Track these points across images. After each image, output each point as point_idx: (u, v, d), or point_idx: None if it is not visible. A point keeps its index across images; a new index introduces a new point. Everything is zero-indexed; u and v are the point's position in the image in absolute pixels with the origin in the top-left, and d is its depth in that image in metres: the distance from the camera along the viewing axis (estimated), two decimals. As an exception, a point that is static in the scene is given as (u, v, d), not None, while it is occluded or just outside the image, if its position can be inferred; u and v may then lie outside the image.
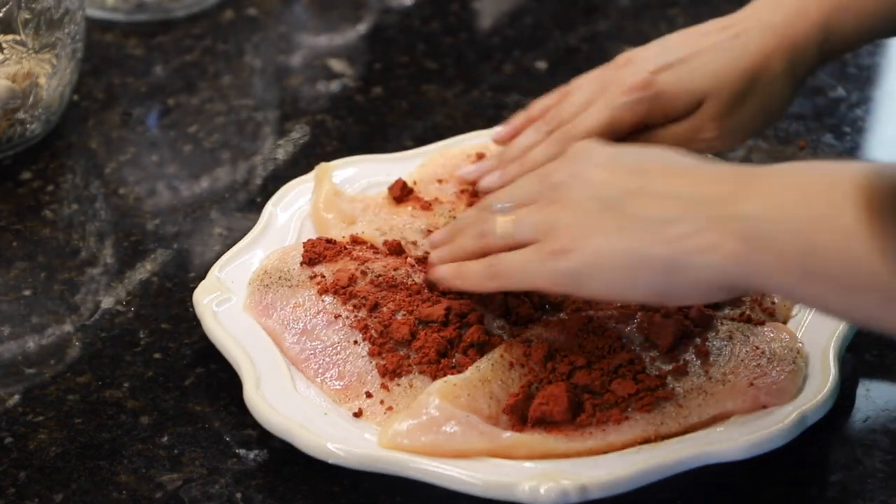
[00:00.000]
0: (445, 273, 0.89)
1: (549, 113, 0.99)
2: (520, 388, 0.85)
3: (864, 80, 1.22)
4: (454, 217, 0.99)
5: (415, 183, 1.03)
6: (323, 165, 1.03)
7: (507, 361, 0.86)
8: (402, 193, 1.01)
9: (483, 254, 0.87)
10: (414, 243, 0.97)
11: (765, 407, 0.84)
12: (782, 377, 0.85)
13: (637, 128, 0.97)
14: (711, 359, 0.86)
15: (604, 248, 0.79)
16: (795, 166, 0.77)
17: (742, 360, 0.86)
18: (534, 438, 0.83)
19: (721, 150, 0.98)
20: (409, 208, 1.00)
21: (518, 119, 1.02)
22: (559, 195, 0.83)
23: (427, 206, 1.00)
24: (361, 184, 1.03)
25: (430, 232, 0.98)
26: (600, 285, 0.80)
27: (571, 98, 0.99)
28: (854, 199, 0.72)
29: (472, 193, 1.01)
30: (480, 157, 1.04)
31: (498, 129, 1.02)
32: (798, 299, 0.82)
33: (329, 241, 0.96)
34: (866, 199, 0.72)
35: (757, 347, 0.87)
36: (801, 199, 0.74)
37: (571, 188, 0.83)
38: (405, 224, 0.99)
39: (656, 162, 0.82)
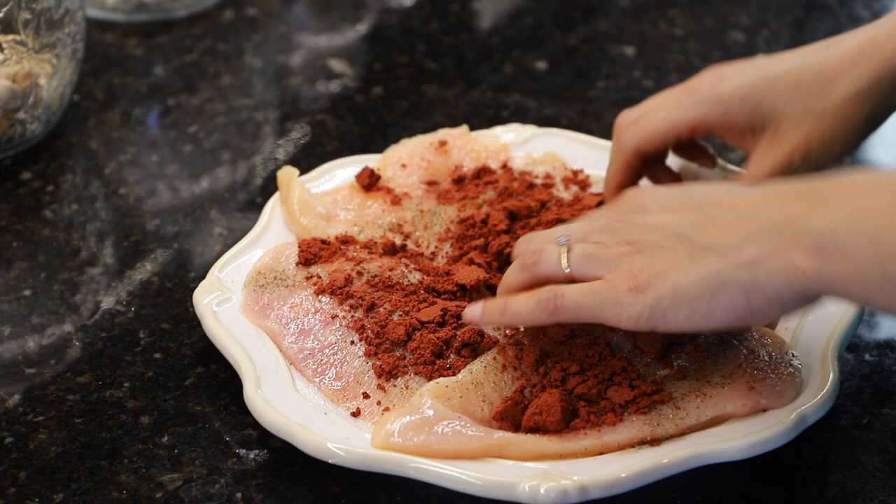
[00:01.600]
0: (483, 312, 0.86)
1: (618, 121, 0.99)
2: (512, 392, 0.85)
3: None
4: (422, 211, 1.00)
5: (378, 168, 1.03)
6: (286, 170, 1.02)
7: (500, 364, 0.86)
8: (370, 181, 1.02)
9: (530, 286, 0.85)
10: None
11: (764, 410, 0.84)
12: (782, 380, 0.85)
13: (699, 133, 0.95)
14: (708, 363, 0.86)
15: (682, 280, 0.79)
16: (855, 175, 0.77)
17: (740, 364, 0.86)
18: (527, 439, 0.83)
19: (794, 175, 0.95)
20: (380, 201, 1.01)
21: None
22: (626, 238, 0.82)
23: (397, 201, 1.01)
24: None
25: (399, 226, 0.99)
26: (682, 317, 0.79)
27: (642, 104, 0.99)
28: None
29: (440, 191, 1.02)
30: (443, 144, 1.05)
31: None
32: (876, 305, 0.80)
33: (324, 241, 0.96)
34: None
35: (753, 351, 0.87)
36: (872, 203, 0.74)
37: (638, 232, 0.82)
38: (376, 218, 1.00)
39: (710, 194, 0.82)
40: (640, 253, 0.81)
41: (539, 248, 0.85)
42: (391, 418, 0.83)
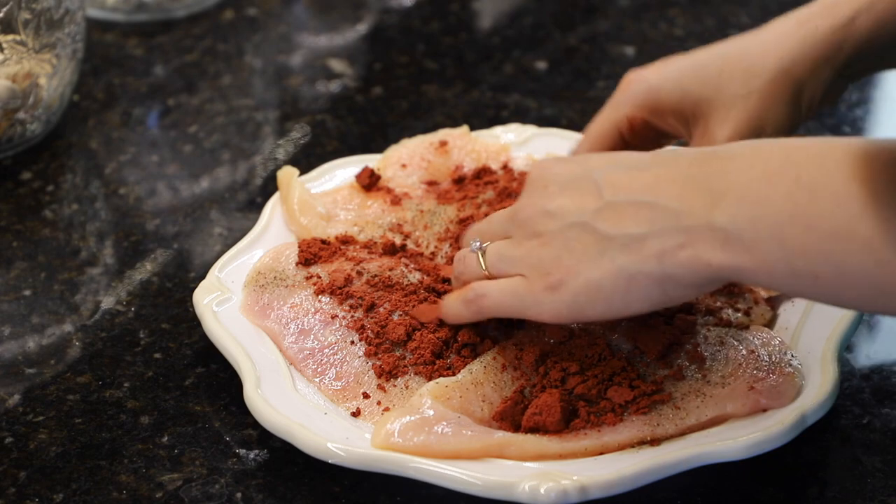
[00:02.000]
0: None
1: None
2: (512, 392, 0.85)
3: (864, 81, 1.22)
4: (422, 211, 1.00)
5: (378, 168, 1.03)
6: (286, 170, 1.02)
7: (500, 364, 0.86)
8: (370, 181, 1.02)
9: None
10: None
11: (764, 410, 0.84)
12: (782, 380, 0.85)
13: (637, 126, 0.95)
14: (708, 363, 0.86)
15: (593, 275, 0.80)
16: (743, 152, 0.77)
17: (740, 364, 0.86)
18: (526, 439, 0.83)
19: None
20: (380, 201, 1.01)
21: None
22: (532, 230, 0.83)
23: (397, 201, 1.01)
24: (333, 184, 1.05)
25: (399, 226, 0.98)
26: (601, 309, 0.81)
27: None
28: (845, 169, 0.72)
29: (441, 190, 1.02)
30: (443, 144, 1.05)
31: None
32: (788, 293, 0.81)
33: (324, 241, 0.96)
34: (858, 167, 0.72)
35: (752, 351, 0.87)
36: (769, 194, 0.74)
37: (541, 222, 0.83)
38: (376, 218, 1.00)
39: (609, 173, 0.82)
40: (547, 246, 0.82)
41: (461, 256, 0.88)
42: (391, 418, 0.83)
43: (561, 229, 0.81)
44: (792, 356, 0.87)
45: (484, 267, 0.86)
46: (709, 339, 0.88)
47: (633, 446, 0.83)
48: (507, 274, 0.84)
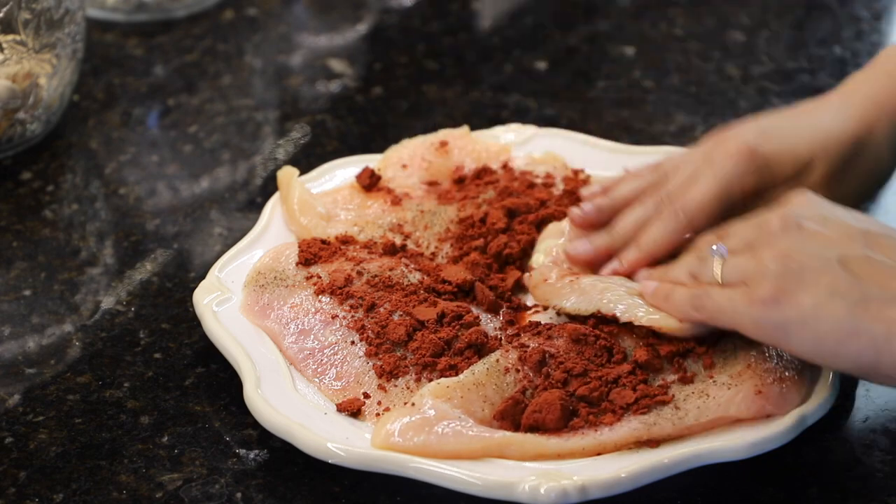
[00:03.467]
0: (654, 291, 0.88)
1: (652, 181, 0.96)
2: (514, 392, 0.85)
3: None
4: (423, 212, 1.00)
5: (379, 169, 1.03)
6: (286, 170, 1.02)
7: (503, 366, 0.86)
8: (370, 181, 1.02)
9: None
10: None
11: (768, 416, 0.83)
12: (789, 386, 0.84)
13: (747, 196, 0.94)
14: (717, 365, 0.86)
15: (817, 309, 0.79)
16: None
17: (749, 366, 0.85)
18: (526, 438, 0.83)
19: None
20: (381, 201, 1.01)
21: (610, 184, 0.99)
22: (773, 242, 0.83)
23: (397, 201, 1.01)
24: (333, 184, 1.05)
25: (399, 226, 0.98)
26: (806, 346, 0.80)
27: (676, 171, 0.95)
28: None
29: (443, 190, 1.02)
30: (444, 144, 1.05)
31: (578, 212, 0.97)
32: None
33: (324, 241, 0.96)
34: None
35: (763, 353, 0.86)
36: None
37: (786, 238, 0.82)
38: (376, 218, 1.00)
39: (872, 231, 0.82)
40: (783, 262, 0.81)
41: (703, 256, 0.87)
42: (391, 418, 0.83)
43: (803, 252, 0.81)
44: (802, 362, 0.85)
45: (719, 274, 0.85)
46: (719, 344, 0.87)
47: (630, 447, 0.83)
48: (734, 283, 0.83)
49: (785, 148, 0.94)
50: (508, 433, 0.83)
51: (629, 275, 0.92)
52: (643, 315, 0.87)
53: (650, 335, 0.87)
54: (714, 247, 0.86)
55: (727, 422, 0.83)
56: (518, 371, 0.86)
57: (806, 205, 0.85)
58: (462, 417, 0.83)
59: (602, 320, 0.89)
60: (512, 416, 0.84)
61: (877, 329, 0.78)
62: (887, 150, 0.95)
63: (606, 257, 0.94)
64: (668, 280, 0.88)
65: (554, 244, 0.95)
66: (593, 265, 0.94)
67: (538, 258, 0.94)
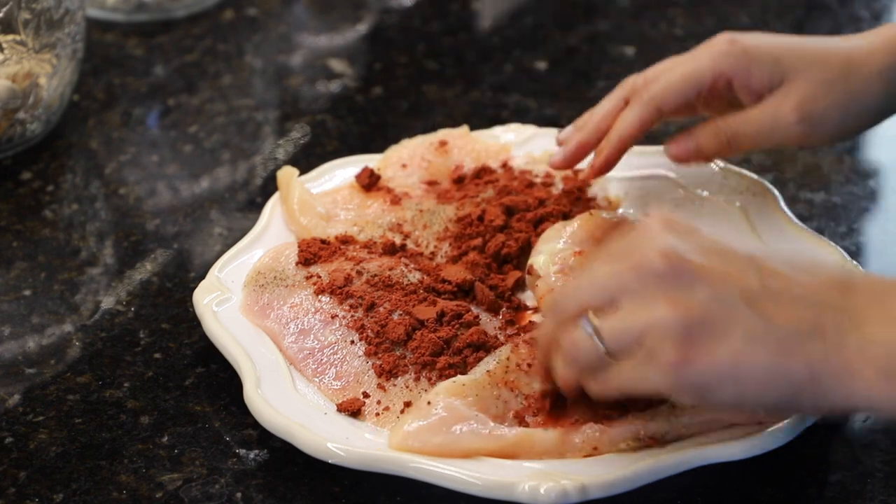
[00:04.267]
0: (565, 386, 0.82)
1: (625, 81, 0.96)
2: (530, 390, 0.85)
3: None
4: (422, 211, 1.00)
5: (378, 169, 1.03)
6: (286, 170, 1.02)
7: (514, 363, 0.86)
8: (370, 181, 1.02)
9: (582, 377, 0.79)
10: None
11: (760, 423, 0.82)
12: None
13: (719, 86, 0.92)
14: None
15: (738, 361, 0.73)
16: None
17: None
18: (535, 432, 0.83)
19: (801, 143, 0.95)
20: (380, 201, 1.01)
21: (576, 123, 0.99)
22: (661, 292, 0.74)
23: (396, 201, 1.01)
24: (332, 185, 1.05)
25: (399, 226, 0.98)
26: (727, 398, 0.74)
27: (650, 68, 0.96)
28: None
29: (442, 190, 1.02)
30: (443, 144, 1.05)
31: (561, 134, 0.99)
32: None
33: (323, 241, 0.96)
34: None
35: None
36: None
37: (676, 282, 0.74)
38: (376, 217, 1.00)
39: (761, 259, 0.75)
40: (686, 316, 0.73)
41: (572, 340, 0.78)
42: (408, 420, 0.83)
43: (707, 299, 0.73)
44: None
45: (604, 349, 0.76)
46: None
47: (627, 444, 0.82)
48: (633, 349, 0.75)
49: (766, 47, 0.92)
50: (522, 429, 0.83)
51: (607, 169, 0.94)
52: None
53: None
54: (585, 326, 0.77)
55: (722, 425, 0.83)
56: (530, 366, 0.86)
57: (675, 230, 0.76)
58: (478, 416, 0.83)
59: None
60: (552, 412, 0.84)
61: (799, 371, 0.73)
62: (879, 80, 0.92)
63: (584, 155, 0.95)
64: (560, 378, 0.81)
65: (559, 249, 0.94)
66: (572, 165, 0.96)
67: (539, 259, 0.94)
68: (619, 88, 0.97)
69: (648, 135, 1.15)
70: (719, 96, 0.95)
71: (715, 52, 0.93)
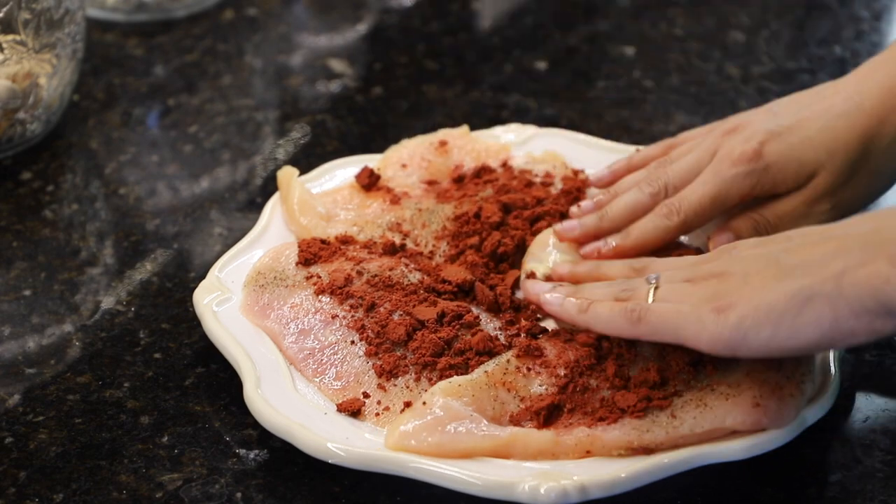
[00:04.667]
0: (568, 305, 0.87)
1: (654, 171, 0.96)
2: (528, 393, 0.85)
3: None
4: (420, 210, 1.00)
5: (378, 169, 1.03)
6: (286, 170, 1.02)
7: (514, 366, 0.86)
8: (370, 181, 1.02)
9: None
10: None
11: (763, 429, 0.82)
12: (788, 402, 0.83)
13: (744, 200, 0.94)
14: (718, 374, 0.84)
15: (766, 298, 0.78)
16: None
17: (748, 374, 0.83)
18: (529, 433, 0.83)
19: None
20: (380, 200, 1.01)
21: (619, 165, 1.00)
22: (713, 274, 0.82)
23: (396, 200, 1.01)
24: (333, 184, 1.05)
25: (398, 225, 0.98)
26: (764, 336, 0.78)
27: (678, 162, 0.96)
28: None
29: (441, 189, 1.02)
30: (443, 144, 1.05)
31: (597, 173, 1.01)
32: None
33: (323, 241, 0.96)
34: None
35: (765, 361, 0.84)
36: None
37: (725, 265, 0.82)
38: (375, 217, 1.00)
39: (800, 230, 0.83)
40: (727, 280, 0.81)
41: (631, 285, 0.86)
42: (404, 419, 0.83)
43: (744, 266, 0.81)
44: (804, 375, 0.84)
45: (652, 300, 0.84)
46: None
47: (621, 451, 0.82)
48: (677, 299, 0.83)
49: (791, 156, 0.93)
50: (516, 429, 0.83)
51: (612, 257, 0.94)
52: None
53: (666, 344, 0.86)
54: (649, 276, 0.85)
55: (723, 433, 0.82)
56: (529, 369, 0.86)
57: (729, 246, 0.85)
58: (473, 416, 0.83)
59: None
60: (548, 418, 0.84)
61: (826, 287, 0.77)
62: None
63: (593, 238, 0.95)
64: (591, 295, 0.87)
65: (559, 258, 0.95)
66: (580, 244, 0.96)
67: (533, 266, 0.94)
68: (645, 180, 0.96)
69: (649, 136, 1.15)
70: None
71: (740, 173, 0.93)
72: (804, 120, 0.94)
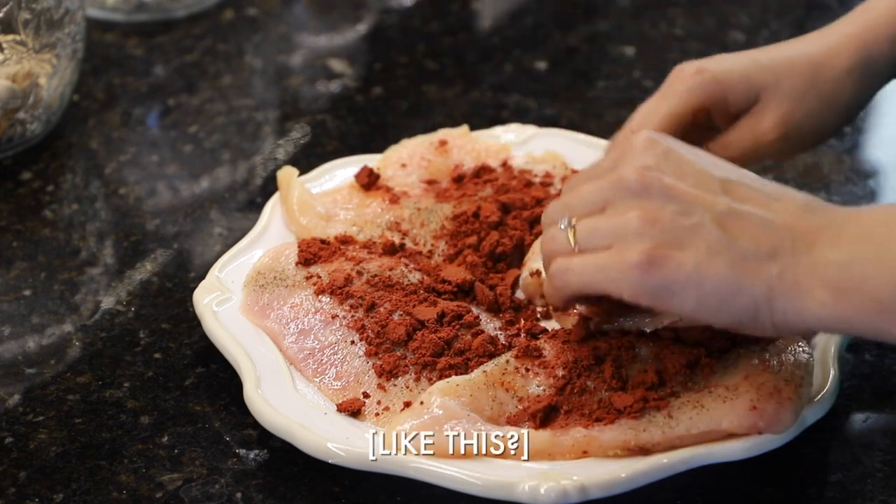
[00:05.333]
0: (524, 289, 0.89)
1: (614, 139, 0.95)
2: (526, 394, 0.85)
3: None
4: (419, 209, 1.00)
5: (378, 168, 1.03)
6: (286, 170, 1.02)
7: (513, 367, 0.86)
8: (369, 181, 1.02)
9: None
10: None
11: (760, 433, 0.82)
12: (785, 406, 0.82)
13: (698, 119, 0.93)
14: (716, 377, 0.84)
15: (700, 270, 0.77)
16: (887, 207, 0.78)
17: (747, 376, 0.83)
18: (525, 433, 0.82)
19: (783, 156, 0.96)
20: (379, 200, 1.01)
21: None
22: (634, 203, 0.79)
23: (395, 200, 1.01)
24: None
25: (397, 224, 0.99)
26: (688, 306, 0.78)
27: (633, 117, 0.95)
28: None
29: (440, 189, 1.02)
30: (443, 144, 1.05)
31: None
32: (887, 339, 0.78)
33: (323, 241, 0.96)
34: None
35: (765, 362, 0.84)
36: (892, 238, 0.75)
37: (647, 197, 0.79)
38: (374, 217, 1.00)
39: (734, 175, 0.80)
40: (652, 222, 0.78)
41: (550, 235, 0.83)
42: (402, 419, 0.83)
43: (672, 212, 0.78)
44: (803, 379, 0.84)
45: (573, 244, 0.81)
46: (728, 356, 0.86)
47: (617, 452, 0.82)
48: (599, 247, 0.80)
49: (736, 69, 0.92)
50: (513, 429, 0.83)
51: None
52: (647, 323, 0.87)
53: (664, 345, 0.86)
54: (561, 220, 0.82)
55: (719, 435, 0.82)
56: (528, 370, 0.86)
57: (654, 151, 0.81)
58: (471, 415, 0.83)
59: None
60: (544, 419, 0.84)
61: (757, 288, 0.77)
62: (849, 79, 0.93)
63: None
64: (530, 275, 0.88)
65: None
66: None
67: (538, 265, 0.94)
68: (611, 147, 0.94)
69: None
70: (697, 128, 0.95)
71: (687, 88, 0.92)
72: (751, 54, 0.94)
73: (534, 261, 0.95)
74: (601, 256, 0.79)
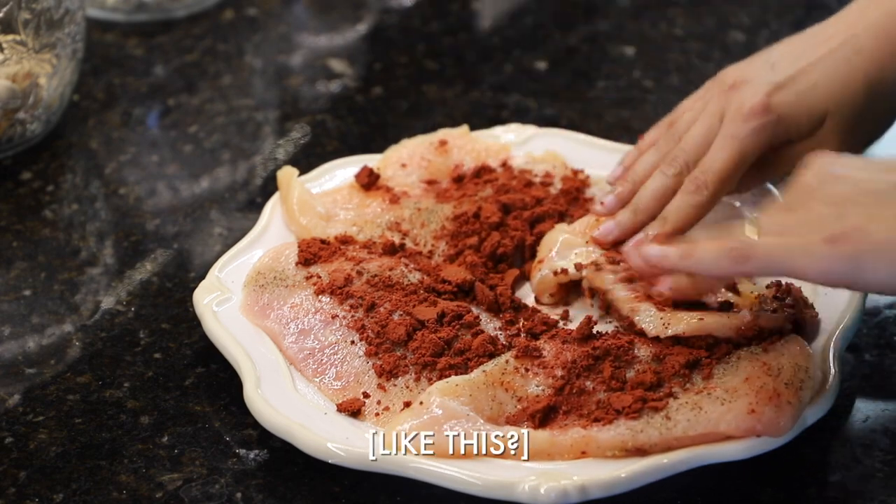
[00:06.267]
0: (668, 253, 0.85)
1: (668, 150, 0.95)
2: (526, 394, 0.85)
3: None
4: (419, 209, 1.00)
5: (378, 168, 1.03)
6: (286, 170, 1.02)
7: (513, 367, 0.86)
8: (369, 180, 1.02)
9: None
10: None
11: (758, 436, 0.82)
12: (784, 411, 0.82)
13: (763, 153, 0.93)
14: (715, 379, 0.84)
15: (891, 235, 0.75)
16: None
17: (746, 379, 0.83)
18: (524, 433, 0.82)
19: None
20: (379, 200, 1.01)
21: (629, 158, 0.98)
22: (817, 194, 0.79)
23: (395, 200, 1.01)
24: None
25: (397, 224, 0.98)
26: (882, 274, 0.76)
27: (689, 134, 0.94)
28: None
29: (441, 189, 1.02)
30: (443, 144, 1.05)
31: (612, 172, 0.99)
32: None
33: (323, 241, 0.96)
34: None
35: (765, 364, 0.84)
36: None
37: (830, 186, 0.79)
38: (375, 217, 1.00)
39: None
40: (846, 206, 0.77)
41: (724, 227, 0.83)
42: (401, 419, 0.83)
43: (853, 193, 0.77)
44: (802, 382, 0.84)
45: (756, 232, 0.80)
46: (728, 358, 0.85)
47: (615, 453, 0.82)
48: (783, 233, 0.79)
49: (800, 105, 0.92)
50: (513, 429, 0.83)
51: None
52: (659, 325, 0.87)
53: (663, 346, 0.86)
54: (749, 215, 0.82)
55: (717, 437, 0.82)
56: (527, 370, 0.86)
57: (829, 159, 0.81)
58: (470, 415, 0.83)
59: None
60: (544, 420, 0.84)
61: None
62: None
63: (632, 234, 0.93)
64: (685, 241, 0.85)
65: (580, 250, 0.94)
66: (620, 243, 0.93)
67: (561, 264, 0.93)
68: (665, 162, 0.94)
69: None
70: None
71: (755, 129, 0.91)
72: (806, 68, 0.93)
73: (557, 261, 0.94)
74: (787, 238, 0.79)
